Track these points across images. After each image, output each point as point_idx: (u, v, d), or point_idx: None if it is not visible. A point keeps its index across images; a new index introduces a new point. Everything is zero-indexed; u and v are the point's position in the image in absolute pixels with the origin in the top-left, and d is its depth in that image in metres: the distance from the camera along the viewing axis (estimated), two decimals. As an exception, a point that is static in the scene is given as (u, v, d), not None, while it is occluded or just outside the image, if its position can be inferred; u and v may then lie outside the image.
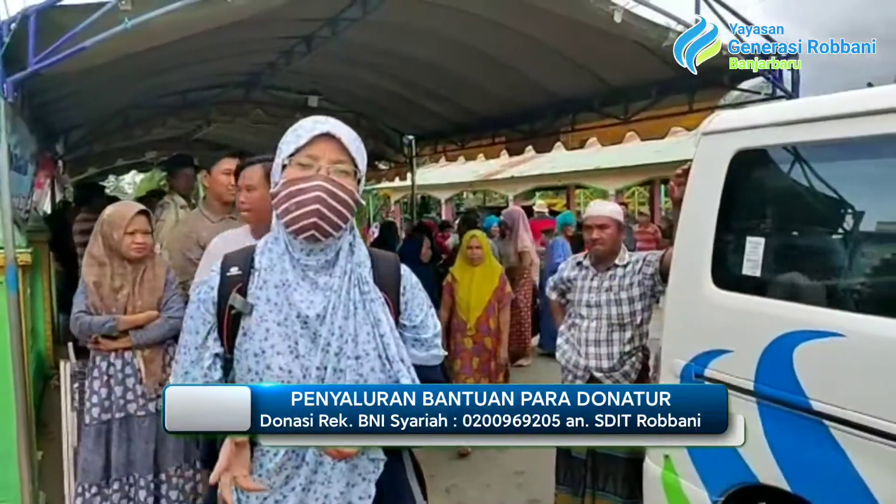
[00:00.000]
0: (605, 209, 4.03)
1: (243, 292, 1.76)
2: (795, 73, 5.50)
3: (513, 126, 8.39)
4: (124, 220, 3.51)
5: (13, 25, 3.55)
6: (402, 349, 1.79)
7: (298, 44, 6.50)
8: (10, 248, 3.61)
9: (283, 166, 1.76)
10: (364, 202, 1.87)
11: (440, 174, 20.44)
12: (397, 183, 12.89)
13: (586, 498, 3.90)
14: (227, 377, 1.78)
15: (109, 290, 3.50)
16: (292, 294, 1.72)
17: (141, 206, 3.67)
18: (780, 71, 5.54)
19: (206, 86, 7.92)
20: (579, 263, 4.06)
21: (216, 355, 1.78)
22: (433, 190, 22.03)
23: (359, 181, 1.78)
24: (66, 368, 3.68)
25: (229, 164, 3.86)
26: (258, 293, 1.75)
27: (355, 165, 1.77)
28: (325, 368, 1.70)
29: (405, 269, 1.91)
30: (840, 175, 2.91)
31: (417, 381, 1.77)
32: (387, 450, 1.77)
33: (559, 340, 4.08)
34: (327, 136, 1.74)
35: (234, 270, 1.80)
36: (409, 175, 10.93)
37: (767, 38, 5.51)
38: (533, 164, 18.03)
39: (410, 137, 10.09)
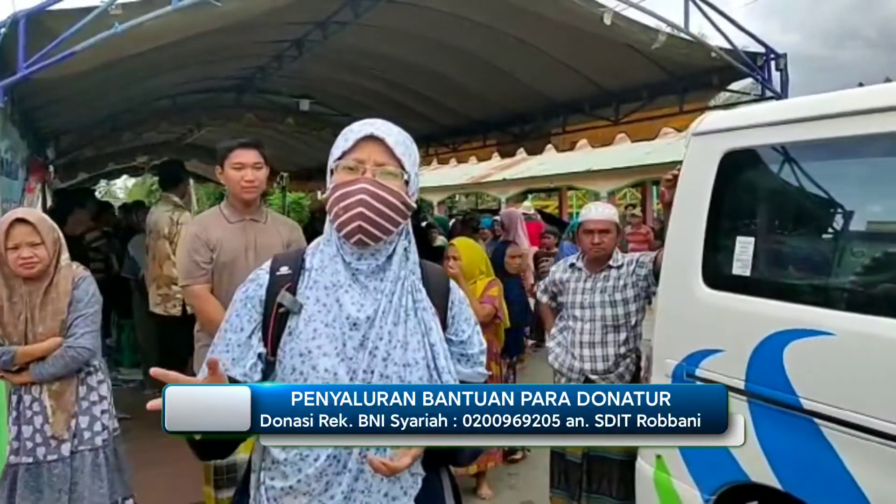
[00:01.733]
0: (606, 213, 4.02)
1: (293, 291, 1.73)
2: (784, 75, 5.53)
3: (504, 129, 8.41)
4: (1, 232, 2.97)
5: (2, 30, 3.55)
6: (450, 361, 1.76)
7: (289, 47, 6.51)
8: (0, 253, 3.58)
9: (332, 171, 1.74)
10: (415, 205, 1.80)
11: (432, 177, 20.45)
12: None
13: (582, 500, 3.90)
14: (267, 379, 1.75)
15: (10, 316, 3.02)
16: (343, 296, 1.69)
17: (22, 213, 3.09)
18: (770, 72, 5.58)
19: (197, 90, 7.93)
20: (572, 265, 4.06)
21: (259, 355, 1.74)
22: (425, 193, 22.04)
23: (407, 182, 1.73)
24: None
25: (241, 155, 3.41)
26: (307, 293, 1.72)
27: (402, 167, 1.72)
28: (372, 372, 1.66)
29: (453, 283, 1.88)
30: (829, 175, 2.93)
31: None
32: (425, 466, 1.73)
33: (551, 344, 4.06)
34: (372, 139, 1.71)
35: (283, 270, 1.77)
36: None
37: (757, 39, 5.55)
38: (524, 166, 18.07)
39: (402, 140, 10.09)
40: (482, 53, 6.37)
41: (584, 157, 14.33)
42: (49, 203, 9.53)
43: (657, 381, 3.26)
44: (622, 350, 3.83)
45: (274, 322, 1.73)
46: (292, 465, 1.68)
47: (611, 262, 3.91)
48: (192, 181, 13.31)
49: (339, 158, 1.72)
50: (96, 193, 11.73)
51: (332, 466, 1.67)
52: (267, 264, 1.82)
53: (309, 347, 1.68)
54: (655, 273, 3.62)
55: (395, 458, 1.60)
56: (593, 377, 3.84)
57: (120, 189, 35.53)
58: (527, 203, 16.93)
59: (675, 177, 3.33)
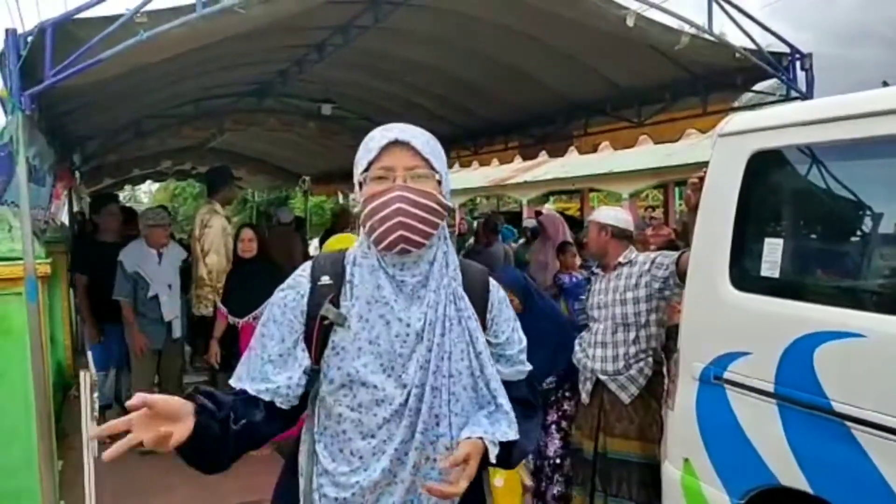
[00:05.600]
0: (592, 216, 4.23)
1: (335, 303, 1.69)
2: (809, 74, 5.47)
3: (525, 131, 8.38)
4: None
5: (30, 38, 3.58)
6: (495, 369, 1.75)
7: (310, 52, 6.53)
8: (29, 258, 3.63)
9: (360, 184, 1.70)
10: (452, 204, 1.77)
11: (453, 179, 20.37)
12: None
13: (598, 503, 3.89)
14: (311, 389, 1.72)
15: None
16: (388, 312, 1.67)
17: None
18: (795, 72, 5.52)
19: (219, 95, 7.97)
20: (593, 273, 4.17)
21: (303, 368, 1.70)
22: (446, 196, 22.04)
23: (439, 182, 1.71)
24: (85, 378, 3.70)
25: None
26: (351, 308, 1.69)
27: (433, 168, 1.70)
28: (423, 386, 1.65)
29: (493, 284, 1.86)
30: (857, 175, 2.89)
31: (508, 401, 1.73)
32: None
33: (575, 343, 4.09)
34: (397, 144, 1.68)
35: (325, 280, 1.73)
36: (422, 181, 10.93)
37: (781, 39, 5.49)
38: (545, 168, 17.99)
39: (424, 144, 10.09)
40: (503, 56, 6.36)
41: (605, 159, 14.24)
42: (76, 208, 9.65)
43: (684, 384, 3.24)
44: (633, 350, 3.80)
45: (318, 334, 1.69)
46: (345, 476, 1.67)
47: (621, 259, 3.92)
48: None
49: (366, 170, 1.68)
50: (121, 198, 11.83)
51: (385, 478, 1.66)
52: (307, 271, 1.78)
53: (356, 366, 1.66)
54: (680, 275, 3.58)
55: (447, 481, 1.59)
56: (603, 378, 3.84)
57: (145, 194, 35.87)
58: (548, 205, 16.86)
59: (701, 180, 3.31)
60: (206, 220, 6.13)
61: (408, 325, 1.66)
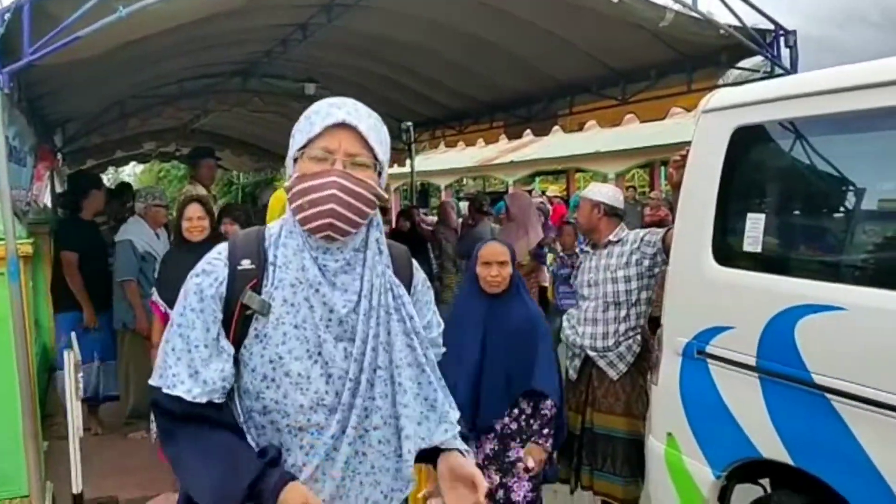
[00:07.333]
0: (585, 192, 4.23)
1: (258, 290, 1.58)
2: (794, 52, 5.47)
3: (511, 110, 8.36)
4: None
5: (7, 16, 3.53)
6: (431, 352, 1.70)
7: (294, 31, 6.48)
8: (10, 239, 3.60)
9: (295, 159, 1.59)
10: (387, 196, 1.69)
11: (439, 160, 20.40)
12: (396, 170, 12.84)
13: (584, 477, 3.92)
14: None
15: None
16: (312, 295, 1.57)
17: None
18: (779, 49, 5.52)
19: (202, 75, 7.90)
20: (583, 250, 4.16)
21: (231, 357, 1.58)
22: (433, 176, 22.01)
23: (379, 173, 1.60)
24: (69, 358, 3.69)
25: None
26: (274, 292, 1.58)
27: (375, 157, 1.58)
28: (358, 381, 1.57)
29: (416, 264, 1.80)
30: (839, 149, 2.91)
31: (450, 395, 1.72)
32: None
33: (564, 321, 4.12)
34: (343, 126, 1.55)
35: (245, 263, 1.60)
36: (408, 162, 10.91)
37: (766, 16, 5.49)
38: (532, 148, 18.01)
39: (409, 124, 10.05)
40: (487, 34, 6.32)
41: (591, 139, 14.25)
42: (59, 189, 9.56)
43: (668, 359, 3.26)
44: (622, 328, 3.83)
45: (236, 324, 1.58)
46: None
47: (612, 237, 3.93)
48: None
49: (305, 146, 1.57)
50: (104, 179, 11.72)
51: (314, 475, 1.59)
52: (223, 253, 1.65)
53: (280, 353, 1.56)
54: (666, 251, 3.61)
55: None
56: (592, 354, 3.87)
57: (128, 176, 35.54)
58: (544, 185, 16.82)
59: (683, 158, 3.32)
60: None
61: (331, 311, 1.57)
